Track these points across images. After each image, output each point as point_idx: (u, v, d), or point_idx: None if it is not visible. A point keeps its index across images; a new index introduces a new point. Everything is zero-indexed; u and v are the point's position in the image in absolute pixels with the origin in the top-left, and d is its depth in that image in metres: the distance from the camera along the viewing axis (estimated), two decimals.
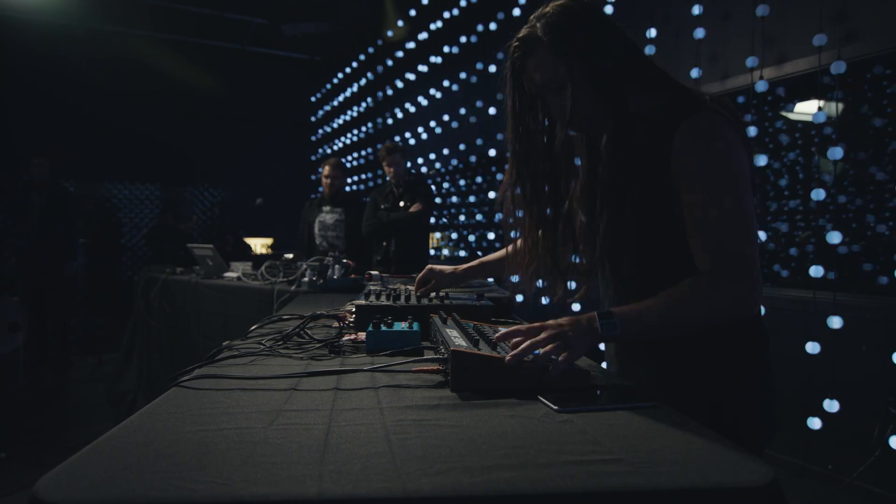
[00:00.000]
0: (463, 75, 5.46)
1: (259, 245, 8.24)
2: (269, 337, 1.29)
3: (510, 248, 1.39)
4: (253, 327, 1.46)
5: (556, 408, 0.81)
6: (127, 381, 3.85)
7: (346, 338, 1.27)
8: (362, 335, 1.29)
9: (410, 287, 1.68)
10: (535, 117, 1.19)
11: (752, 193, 1.04)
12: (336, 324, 1.37)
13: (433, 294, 1.54)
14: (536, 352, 0.91)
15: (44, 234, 4.78)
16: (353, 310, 1.40)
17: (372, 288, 1.71)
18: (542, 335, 0.93)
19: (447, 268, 1.57)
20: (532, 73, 1.12)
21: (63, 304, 5.11)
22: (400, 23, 6.30)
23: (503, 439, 0.69)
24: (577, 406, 0.82)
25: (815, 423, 2.51)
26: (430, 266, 1.57)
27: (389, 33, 6.28)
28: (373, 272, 1.84)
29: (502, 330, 1.00)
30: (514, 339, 0.95)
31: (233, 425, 0.72)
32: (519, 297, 1.55)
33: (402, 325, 1.24)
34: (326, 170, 4.16)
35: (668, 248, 1.08)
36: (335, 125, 9.05)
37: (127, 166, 8.73)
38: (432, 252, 6.52)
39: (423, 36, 5.99)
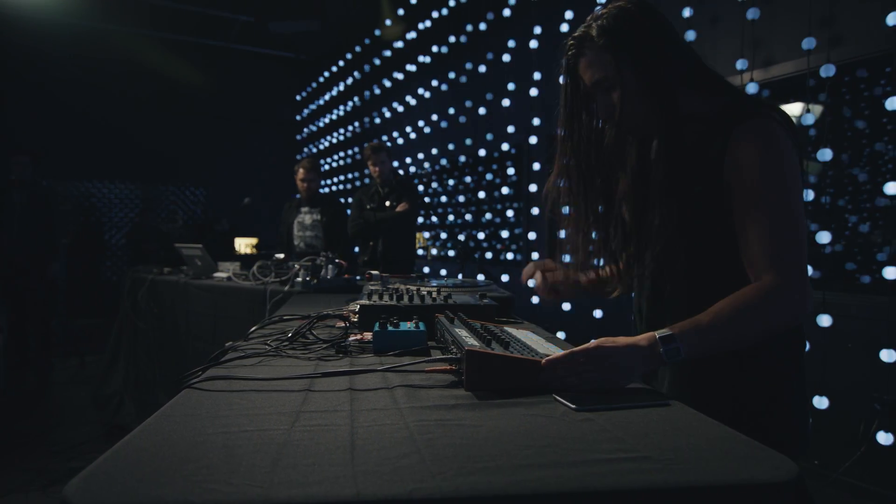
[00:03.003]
0: (452, 75, 5.47)
1: (244, 245, 8.16)
2: (273, 337, 1.28)
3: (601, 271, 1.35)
4: (254, 328, 1.45)
5: (574, 406, 0.82)
6: (113, 384, 3.79)
7: (351, 338, 1.26)
8: (368, 335, 1.29)
9: (411, 287, 1.68)
10: (586, 115, 1.19)
11: (802, 200, 1.05)
12: (340, 323, 1.37)
13: (435, 294, 1.54)
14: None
15: (25, 234, 4.68)
16: (357, 309, 1.39)
17: (372, 288, 1.70)
18: (590, 367, 0.90)
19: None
20: (584, 71, 1.14)
21: (45, 305, 5.00)
22: (388, 22, 6.28)
23: (528, 438, 0.69)
24: (595, 405, 0.83)
25: None
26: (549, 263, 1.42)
27: (388, 22, 6.25)
28: (373, 272, 1.84)
29: (552, 350, 0.97)
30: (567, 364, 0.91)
31: (254, 427, 0.71)
32: (535, 299, 1.50)
33: (408, 325, 1.23)
34: (301, 172, 4.12)
35: (716, 251, 1.09)
36: (321, 124, 9.00)
37: (108, 164, 8.59)
38: (420, 252, 6.52)
39: (411, 35, 5.98)
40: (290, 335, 1.26)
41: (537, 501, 0.54)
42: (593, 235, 1.23)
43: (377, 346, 1.18)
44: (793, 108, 3.36)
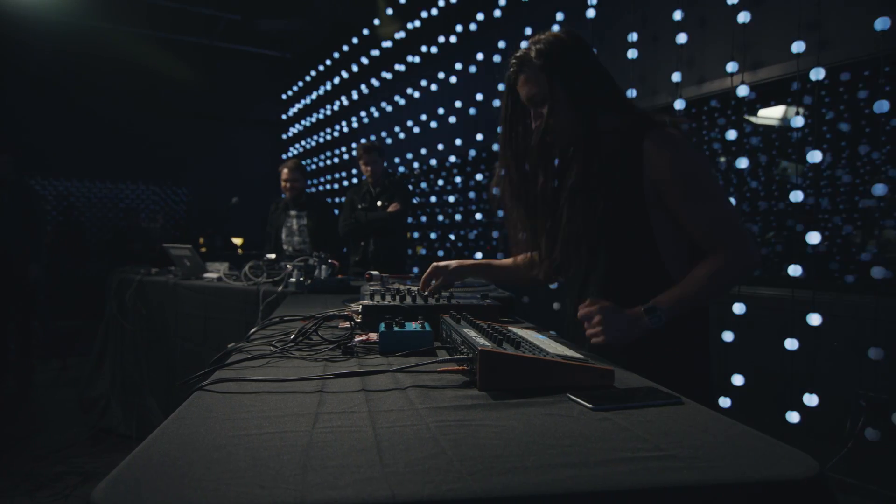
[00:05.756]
0: (441, 75, 5.46)
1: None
2: (276, 338, 1.27)
3: (516, 259, 1.61)
4: (254, 329, 1.43)
5: (590, 406, 0.82)
6: (99, 386, 3.72)
7: (357, 338, 1.26)
8: (373, 335, 1.28)
9: (412, 287, 1.67)
10: (523, 124, 1.40)
11: (717, 181, 1.36)
12: (344, 323, 1.36)
13: (437, 294, 1.54)
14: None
15: (6, 234, 4.57)
16: (360, 310, 1.38)
17: (372, 288, 1.69)
18: (597, 321, 1.18)
19: (452, 262, 1.59)
20: (521, 87, 1.33)
21: (26, 306, 4.89)
22: (377, 22, 6.26)
23: (550, 437, 0.69)
24: (611, 404, 0.83)
25: (793, 416, 2.60)
26: (434, 264, 1.57)
27: (377, 21, 6.22)
28: (373, 272, 1.83)
29: (561, 350, 1.06)
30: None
31: (274, 429, 0.71)
32: (525, 299, 1.64)
33: (413, 326, 1.23)
34: (284, 173, 4.05)
35: (629, 244, 1.31)
36: (307, 123, 8.93)
37: (88, 163, 8.44)
38: (409, 252, 6.50)
39: (400, 35, 5.97)
40: (293, 336, 1.25)
41: (571, 501, 0.54)
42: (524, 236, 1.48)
43: (384, 347, 1.18)
44: (777, 111, 3.42)
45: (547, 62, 1.28)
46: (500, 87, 4.67)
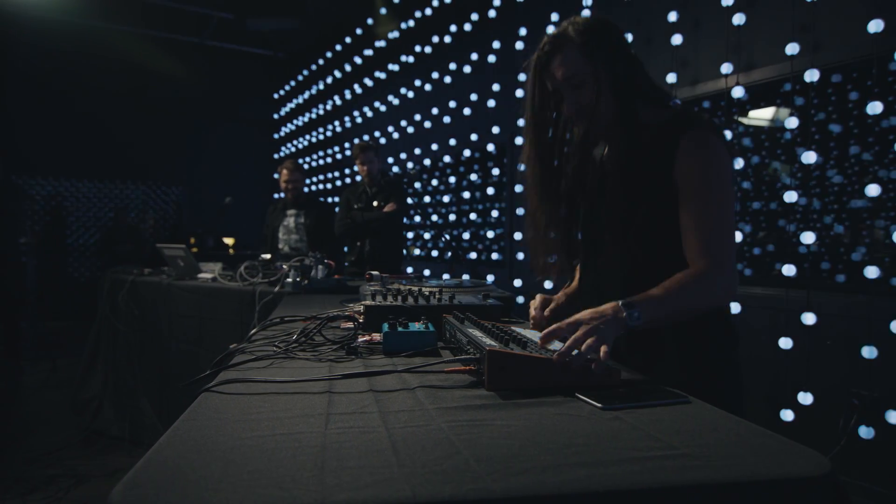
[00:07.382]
0: (436, 75, 5.46)
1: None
2: (279, 339, 1.26)
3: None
4: (255, 330, 1.43)
5: (599, 405, 0.83)
6: (91, 388, 3.68)
7: (360, 339, 1.25)
8: (376, 336, 1.28)
9: (412, 287, 1.67)
10: (550, 111, 1.30)
11: (733, 198, 1.23)
12: (347, 324, 1.35)
13: (438, 294, 1.54)
14: (576, 351, 0.93)
15: None
16: (362, 310, 1.38)
17: (372, 288, 1.69)
18: (581, 332, 0.97)
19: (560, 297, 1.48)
20: (556, 68, 1.23)
21: (14, 307, 4.84)
22: (370, 21, 6.25)
23: (563, 437, 0.69)
24: (620, 404, 0.83)
25: (787, 415, 2.63)
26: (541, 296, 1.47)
27: (370, 21, 6.21)
28: (373, 272, 1.82)
29: (521, 332, 1.01)
30: (558, 337, 1.02)
31: (286, 430, 0.70)
32: (520, 299, 1.55)
33: (417, 326, 1.23)
34: (284, 174, 4.05)
35: (658, 238, 1.22)
36: (300, 123, 8.89)
37: (76, 162, 8.35)
38: (403, 252, 6.50)
39: (394, 35, 5.96)
40: (295, 336, 1.24)
41: (589, 500, 0.55)
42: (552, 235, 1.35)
43: (388, 347, 1.18)
44: (768, 112, 3.45)
45: (589, 40, 1.20)
46: (496, 86, 4.67)
